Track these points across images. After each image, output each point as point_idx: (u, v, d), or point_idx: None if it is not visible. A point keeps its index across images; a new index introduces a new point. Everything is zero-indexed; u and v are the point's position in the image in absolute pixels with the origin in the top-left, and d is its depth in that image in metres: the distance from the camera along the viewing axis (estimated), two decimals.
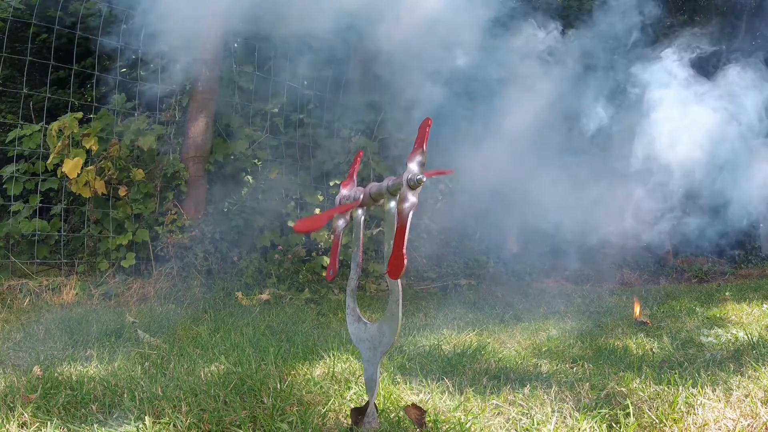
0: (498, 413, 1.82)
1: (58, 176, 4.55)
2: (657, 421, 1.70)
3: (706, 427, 1.67)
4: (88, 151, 4.49)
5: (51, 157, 4.40)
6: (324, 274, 5.06)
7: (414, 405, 1.72)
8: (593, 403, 1.86)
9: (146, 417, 1.67)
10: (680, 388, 1.96)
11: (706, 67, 5.38)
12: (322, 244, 5.37)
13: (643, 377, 2.13)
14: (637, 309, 3.58)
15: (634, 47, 5.25)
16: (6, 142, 4.84)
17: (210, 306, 3.94)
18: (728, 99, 4.66)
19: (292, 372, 2.19)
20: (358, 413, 1.66)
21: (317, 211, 5.48)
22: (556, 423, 1.70)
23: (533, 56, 5.05)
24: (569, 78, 5.06)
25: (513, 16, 4.93)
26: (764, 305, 3.81)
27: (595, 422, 1.68)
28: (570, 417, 1.75)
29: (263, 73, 5.65)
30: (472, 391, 2.00)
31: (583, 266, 6.42)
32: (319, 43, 4.78)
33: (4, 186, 4.67)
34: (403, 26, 4.41)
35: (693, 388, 1.96)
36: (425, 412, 1.68)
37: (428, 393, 1.98)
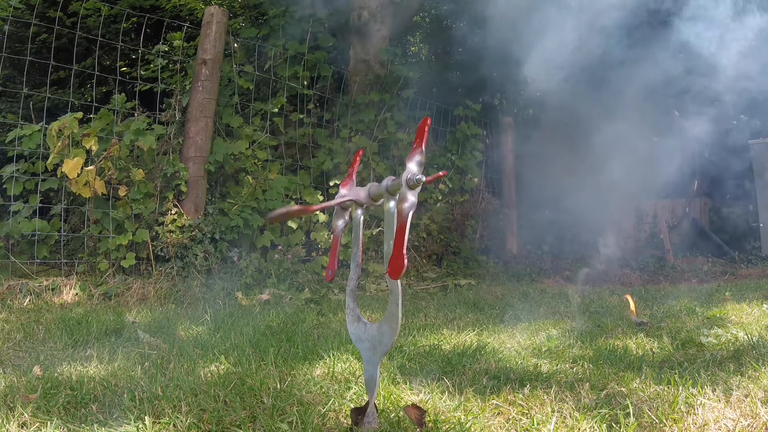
0: (498, 413, 1.82)
1: (58, 176, 4.55)
2: (657, 421, 1.70)
3: (706, 427, 1.67)
4: (88, 151, 4.48)
5: (51, 157, 4.40)
6: (324, 274, 5.06)
7: (414, 405, 1.72)
8: (593, 403, 1.86)
9: (146, 417, 1.67)
10: (680, 388, 1.96)
11: None
12: (322, 244, 5.37)
13: (643, 377, 2.13)
14: (631, 305, 3.56)
15: None
16: (6, 142, 4.83)
17: (210, 306, 3.94)
18: None
19: (292, 372, 2.19)
20: (358, 413, 1.66)
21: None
22: (556, 423, 1.70)
23: None
24: None
25: None
26: (764, 305, 3.81)
27: (595, 422, 1.68)
28: (570, 417, 1.75)
29: (263, 73, 5.65)
30: (472, 391, 2.00)
31: (583, 266, 6.42)
32: None
33: (4, 186, 4.67)
34: None
35: (693, 388, 1.96)
36: (425, 412, 1.68)
37: (428, 393, 1.98)
